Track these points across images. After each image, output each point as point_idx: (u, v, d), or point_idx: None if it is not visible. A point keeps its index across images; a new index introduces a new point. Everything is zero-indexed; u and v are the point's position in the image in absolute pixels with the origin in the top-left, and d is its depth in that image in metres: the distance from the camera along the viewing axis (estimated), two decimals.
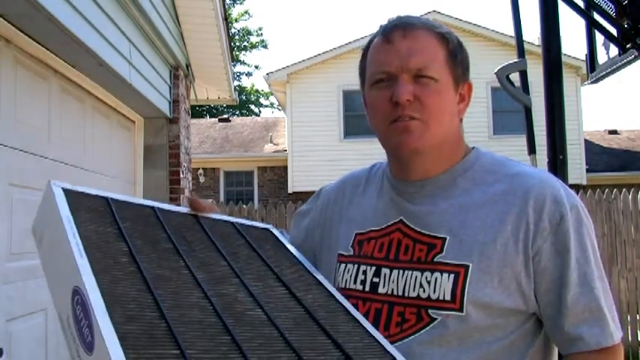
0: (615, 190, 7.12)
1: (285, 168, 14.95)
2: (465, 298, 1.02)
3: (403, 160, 1.14)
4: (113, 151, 3.99)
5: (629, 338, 6.76)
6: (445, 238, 1.06)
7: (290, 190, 14.53)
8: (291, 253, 1.20)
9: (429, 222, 1.09)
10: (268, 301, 0.98)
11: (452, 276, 1.03)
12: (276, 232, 1.29)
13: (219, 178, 15.95)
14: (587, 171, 14.36)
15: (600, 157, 15.67)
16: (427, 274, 1.05)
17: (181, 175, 4.70)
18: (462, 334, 1.02)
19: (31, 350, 2.76)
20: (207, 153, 15.62)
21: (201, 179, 15.51)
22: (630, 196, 7.03)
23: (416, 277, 1.06)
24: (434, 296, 1.03)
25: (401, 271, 1.08)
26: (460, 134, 1.16)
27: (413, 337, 1.03)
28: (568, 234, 1.04)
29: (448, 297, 1.02)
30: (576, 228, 1.05)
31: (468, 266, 1.03)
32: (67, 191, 1.04)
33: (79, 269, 0.82)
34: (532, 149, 3.10)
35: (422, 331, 1.03)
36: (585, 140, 14.86)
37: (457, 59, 1.12)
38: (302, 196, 12.92)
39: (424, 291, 1.04)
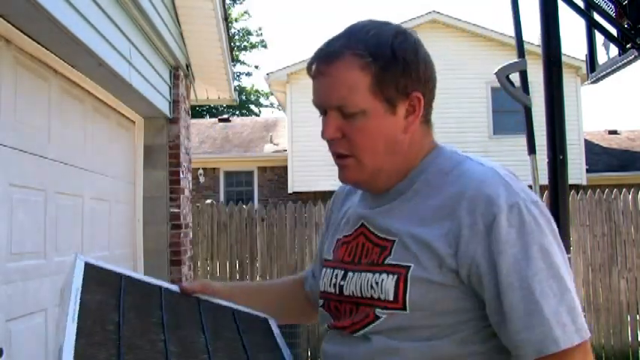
0: (615, 190, 7.12)
1: (285, 168, 14.95)
2: (407, 298, 1.04)
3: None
4: (113, 151, 3.99)
5: (630, 338, 6.76)
6: (394, 241, 1.09)
7: (290, 190, 14.52)
8: (278, 346, 1.28)
9: (383, 225, 1.12)
10: None
11: (395, 277, 1.06)
12: (273, 324, 1.35)
13: (219, 178, 15.95)
14: (587, 171, 14.35)
15: (600, 157, 15.66)
16: (377, 275, 1.09)
17: (181, 175, 4.70)
18: (407, 329, 1.05)
19: (31, 350, 2.76)
20: (207, 153, 15.62)
21: (201, 179, 15.50)
22: (630, 196, 7.03)
23: (368, 278, 1.10)
24: (382, 296, 1.07)
25: (359, 274, 1.12)
26: (414, 143, 1.13)
27: (362, 330, 1.09)
28: (501, 235, 1.00)
29: (391, 297, 1.05)
30: (517, 227, 1.01)
31: (409, 267, 1.05)
32: (87, 264, 1.17)
33: (66, 330, 0.98)
34: (532, 149, 3.11)
35: (369, 326, 1.08)
36: (585, 140, 14.85)
37: (387, 80, 1.06)
38: (302, 196, 12.92)
39: (375, 292, 1.08)
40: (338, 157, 1.12)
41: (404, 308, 1.04)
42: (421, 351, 1.04)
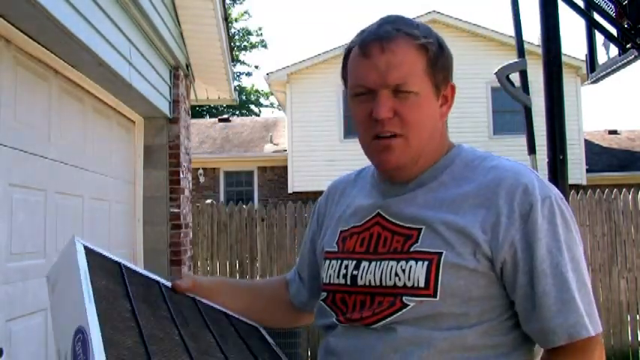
0: (615, 190, 7.12)
1: (285, 168, 14.95)
2: (439, 284, 1.04)
3: (386, 173, 1.17)
4: (113, 151, 3.99)
5: (630, 338, 6.75)
6: (421, 229, 1.09)
7: (290, 190, 14.52)
8: (277, 354, 1.27)
9: (406, 214, 1.12)
10: None
11: (425, 263, 1.05)
12: (265, 333, 1.35)
13: (219, 178, 15.95)
14: (587, 171, 14.35)
15: (600, 157, 15.66)
16: (402, 262, 1.08)
17: (181, 175, 4.70)
18: (435, 317, 1.05)
19: (31, 350, 2.76)
20: (207, 153, 15.62)
21: (201, 179, 15.50)
22: (630, 196, 7.03)
23: (392, 266, 1.09)
24: (409, 284, 1.06)
25: (378, 262, 1.11)
26: (443, 133, 1.18)
27: (385, 320, 1.07)
28: (537, 224, 1.04)
29: (422, 284, 1.05)
30: (549, 219, 1.05)
31: (442, 253, 1.05)
32: (87, 248, 1.11)
33: (86, 311, 0.91)
34: (532, 149, 3.10)
35: (394, 315, 1.06)
36: (585, 140, 14.85)
37: (438, 65, 1.10)
38: (302, 196, 12.91)
39: (399, 279, 1.07)
40: (383, 138, 1.09)
41: (434, 295, 1.04)
42: (451, 340, 1.04)
